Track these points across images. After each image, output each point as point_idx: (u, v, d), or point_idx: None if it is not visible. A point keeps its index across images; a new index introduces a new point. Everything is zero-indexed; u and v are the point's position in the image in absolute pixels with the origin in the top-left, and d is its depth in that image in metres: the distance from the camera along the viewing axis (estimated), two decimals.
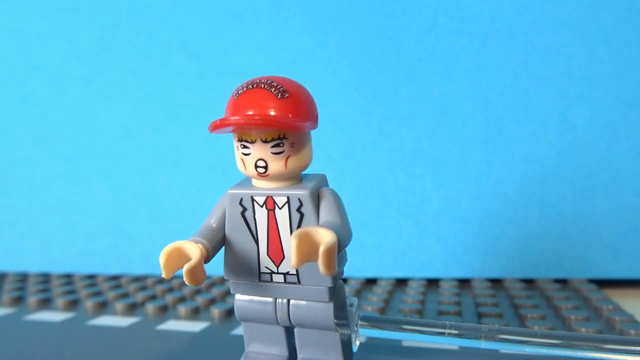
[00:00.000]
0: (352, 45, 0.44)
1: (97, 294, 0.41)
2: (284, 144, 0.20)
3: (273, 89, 0.20)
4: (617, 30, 0.41)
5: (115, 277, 0.46)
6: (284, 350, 0.22)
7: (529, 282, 0.42)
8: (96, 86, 0.47)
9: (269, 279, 0.21)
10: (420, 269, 0.42)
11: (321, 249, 0.17)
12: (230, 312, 0.35)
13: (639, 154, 0.41)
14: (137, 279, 0.45)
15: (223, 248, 0.22)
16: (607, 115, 0.41)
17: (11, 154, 0.48)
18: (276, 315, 0.22)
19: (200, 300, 0.37)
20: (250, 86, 0.21)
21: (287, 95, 0.20)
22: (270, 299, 0.22)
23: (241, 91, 0.21)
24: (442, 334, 0.26)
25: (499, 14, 0.42)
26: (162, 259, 0.19)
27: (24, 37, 0.48)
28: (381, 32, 0.43)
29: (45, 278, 0.46)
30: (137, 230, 0.46)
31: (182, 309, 0.35)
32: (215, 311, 0.34)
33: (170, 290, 0.41)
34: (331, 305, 0.21)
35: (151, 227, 0.46)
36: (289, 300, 0.21)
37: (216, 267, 0.46)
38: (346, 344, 0.22)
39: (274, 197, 0.20)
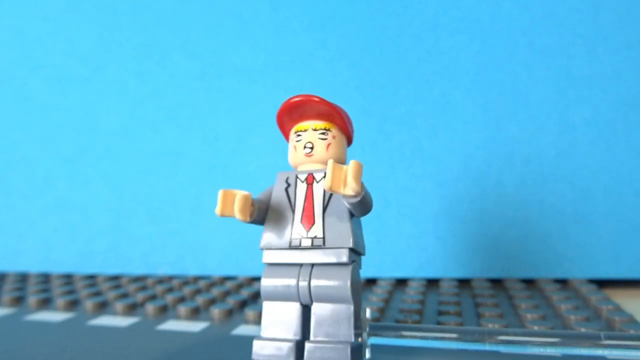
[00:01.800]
0: (352, 45, 0.44)
1: (97, 294, 0.41)
2: (328, 134, 0.25)
3: (323, 97, 0.25)
4: (617, 30, 0.41)
5: (115, 277, 0.46)
6: (297, 335, 0.24)
7: (529, 282, 0.42)
8: (96, 86, 0.47)
9: (298, 244, 0.24)
10: (420, 269, 0.42)
11: (351, 161, 0.21)
12: (230, 312, 0.35)
13: (639, 154, 0.41)
14: (137, 279, 0.45)
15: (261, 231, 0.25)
16: (607, 115, 0.41)
17: (11, 154, 0.48)
18: (298, 291, 0.24)
19: (200, 300, 0.37)
20: (301, 94, 0.25)
21: (334, 103, 0.25)
22: (293, 282, 0.24)
23: (293, 97, 0.25)
24: (442, 339, 0.26)
25: (499, 14, 0.42)
26: (220, 195, 0.23)
27: (24, 37, 0.48)
28: (381, 32, 0.43)
29: (45, 278, 0.46)
30: (137, 230, 0.46)
31: (182, 309, 0.35)
32: (215, 311, 0.34)
33: (170, 290, 0.41)
34: (349, 271, 0.23)
35: (151, 227, 0.46)
36: (310, 280, 0.24)
37: (216, 267, 0.46)
38: (357, 346, 0.24)
39: (314, 174, 0.25)
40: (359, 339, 0.24)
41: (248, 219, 0.24)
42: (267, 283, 0.25)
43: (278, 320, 0.25)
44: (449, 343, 0.27)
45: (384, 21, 0.43)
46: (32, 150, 0.48)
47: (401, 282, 0.43)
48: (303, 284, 0.24)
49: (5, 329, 0.33)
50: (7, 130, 0.48)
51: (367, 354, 0.25)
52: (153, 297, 0.39)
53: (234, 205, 0.23)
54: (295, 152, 0.25)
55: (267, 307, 0.25)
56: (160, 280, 0.44)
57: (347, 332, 0.23)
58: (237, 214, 0.23)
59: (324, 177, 0.24)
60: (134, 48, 0.47)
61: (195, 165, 0.46)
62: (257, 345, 0.24)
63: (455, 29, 0.43)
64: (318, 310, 0.24)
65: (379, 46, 0.43)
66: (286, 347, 0.24)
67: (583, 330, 0.29)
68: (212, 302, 0.38)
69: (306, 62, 0.44)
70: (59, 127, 0.48)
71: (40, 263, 0.48)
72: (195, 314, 0.35)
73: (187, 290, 0.40)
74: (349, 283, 0.23)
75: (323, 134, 0.25)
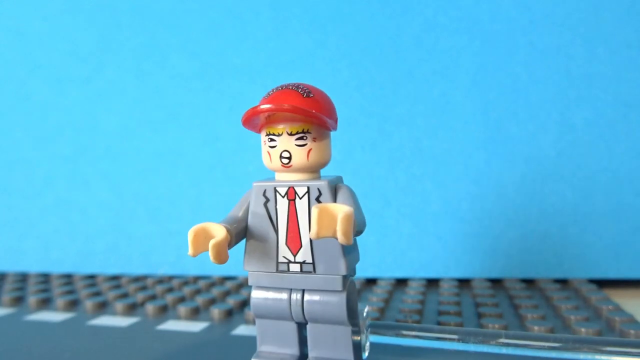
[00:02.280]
0: (352, 45, 0.44)
1: (97, 294, 0.41)
2: (307, 137, 0.22)
3: (299, 90, 0.22)
4: (617, 30, 0.41)
5: (115, 277, 0.46)
6: (295, 350, 0.23)
7: (529, 282, 0.42)
8: (96, 86, 0.47)
9: (286, 269, 0.22)
10: (420, 269, 0.42)
11: (340, 215, 0.18)
12: (230, 312, 0.35)
13: (639, 154, 0.41)
14: (137, 279, 0.45)
15: (244, 242, 0.23)
16: (607, 115, 0.41)
17: (11, 154, 0.48)
18: (290, 311, 0.23)
19: (200, 300, 0.37)
20: (280, 88, 0.22)
21: (312, 95, 0.22)
22: (285, 296, 0.23)
23: (271, 93, 0.22)
24: (443, 339, 0.26)
25: (499, 14, 0.42)
26: (190, 236, 0.20)
27: (24, 37, 0.48)
28: (381, 32, 0.43)
29: (45, 278, 0.47)
30: (137, 230, 0.46)
31: (182, 309, 0.35)
32: (215, 311, 0.34)
33: (170, 290, 0.41)
34: (344, 296, 0.22)
35: (151, 227, 0.46)
36: (303, 295, 0.22)
37: (216, 267, 0.46)
38: (357, 344, 0.23)
39: (295, 188, 0.22)
40: (357, 337, 0.23)
41: (226, 259, 0.21)
42: (258, 303, 0.23)
43: (275, 336, 0.23)
44: (449, 343, 0.27)
45: (384, 21, 0.43)
46: (32, 150, 0.48)
47: (401, 282, 0.43)
48: (296, 308, 0.22)
49: (5, 329, 0.33)
50: (7, 130, 0.48)
51: (366, 354, 0.25)
52: (153, 297, 0.39)
53: (207, 241, 0.21)
54: (269, 159, 0.23)
55: (261, 324, 0.24)
56: (160, 280, 0.44)
57: (347, 355, 0.22)
58: (213, 261, 0.20)
59: (307, 192, 0.22)
60: (134, 48, 0.47)
61: (195, 165, 0.46)
62: None
63: (455, 29, 0.43)
64: (314, 329, 0.23)
65: (379, 46, 0.43)
66: None
67: (583, 330, 0.29)
68: (212, 302, 0.38)
69: (306, 62, 0.44)
70: (59, 127, 0.48)
71: (40, 263, 0.48)
72: (195, 314, 0.35)
73: (187, 290, 0.40)
74: (344, 309, 0.22)
75: (301, 138, 0.22)
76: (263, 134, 0.23)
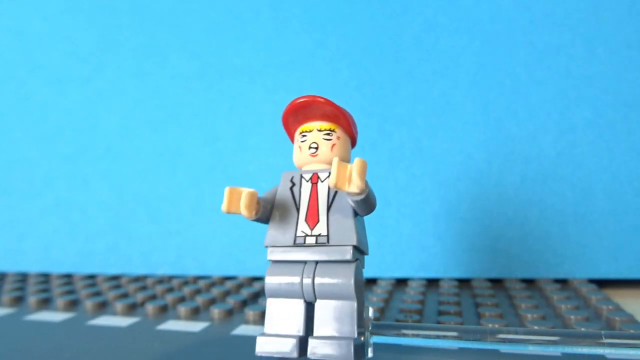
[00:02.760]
0: (352, 45, 0.44)
1: (97, 294, 0.41)
2: (332, 135, 0.25)
3: (327, 98, 0.25)
4: (617, 30, 0.41)
5: (115, 277, 0.46)
6: (300, 331, 0.24)
7: (529, 282, 0.42)
8: (96, 86, 0.47)
9: (303, 242, 0.25)
10: (420, 269, 0.42)
11: (356, 159, 0.22)
12: (230, 312, 0.35)
13: (639, 154, 0.41)
14: (137, 279, 0.45)
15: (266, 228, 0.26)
16: (607, 115, 0.41)
17: (11, 154, 0.48)
18: (302, 289, 0.24)
19: (200, 300, 0.37)
20: (307, 96, 0.25)
21: (339, 106, 0.26)
22: (297, 280, 0.24)
23: (300, 99, 0.25)
24: (444, 337, 0.26)
25: (499, 14, 0.42)
26: (226, 192, 0.23)
27: (24, 37, 0.48)
28: (381, 32, 0.43)
29: (45, 278, 0.46)
30: (137, 230, 0.46)
31: (182, 309, 0.35)
32: (215, 311, 0.34)
33: (170, 290, 0.41)
34: (352, 267, 0.24)
35: (151, 227, 0.46)
36: (314, 276, 0.24)
37: (216, 267, 0.46)
38: (362, 324, 0.24)
39: (319, 173, 0.25)
40: (362, 338, 0.24)
41: (254, 215, 0.24)
42: (271, 280, 0.25)
43: (282, 317, 0.25)
44: (450, 342, 0.27)
45: (384, 21, 0.43)
46: (32, 150, 0.48)
47: (401, 282, 0.43)
48: (307, 281, 0.24)
49: (5, 329, 0.33)
50: (7, 130, 0.48)
51: (370, 353, 0.25)
52: (153, 297, 0.39)
53: (239, 202, 0.23)
54: (300, 153, 0.26)
55: (271, 303, 0.25)
56: (160, 280, 0.44)
57: (350, 329, 0.23)
58: (243, 210, 0.23)
59: (329, 176, 0.24)
60: (134, 48, 0.47)
61: (195, 165, 0.46)
62: (260, 341, 0.24)
63: (455, 29, 0.43)
64: (322, 307, 0.24)
65: (379, 46, 0.43)
66: (290, 342, 0.24)
67: (582, 329, 0.29)
68: (212, 302, 0.38)
69: (306, 62, 0.44)
70: (59, 127, 0.48)
71: (40, 263, 0.48)
72: (195, 314, 0.35)
73: (187, 290, 0.40)
74: (352, 280, 0.23)
75: (328, 134, 0.25)
76: (297, 134, 0.26)
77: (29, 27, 0.48)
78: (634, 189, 0.41)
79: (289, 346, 0.24)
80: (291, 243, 0.25)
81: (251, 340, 0.30)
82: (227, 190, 0.23)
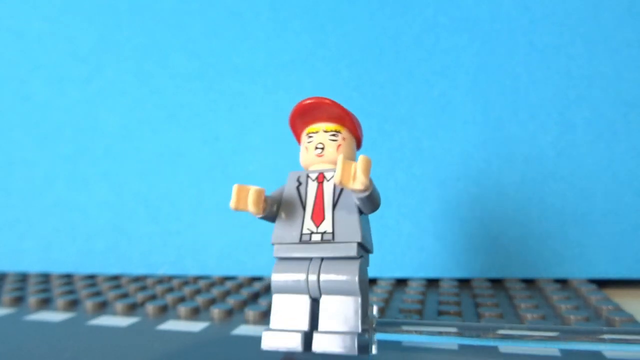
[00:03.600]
0: (352, 45, 0.44)
1: (97, 294, 0.41)
2: (338, 136, 0.26)
3: (334, 100, 0.26)
4: (617, 30, 0.41)
5: (115, 277, 0.46)
6: (305, 326, 0.24)
7: (529, 282, 0.42)
8: (96, 86, 0.47)
9: (308, 239, 0.25)
10: (420, 269, 0.42)
11: (360, 156, 0.22)
12: (230, 312, 0.35)
13: (639, 154, 0.41)
14: (137, 279, 0.45)
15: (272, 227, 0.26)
16: (607, 115, 0.41)
17: (11, 154, 0.48)
18: (307, 282, 0.24)
19: (200, 300, 0.37)
20: (312, 97, 0.26)
21: (345, 107, 0.26)
22: (303, 276, 0.25)
23: (307, 100, 0.26)
24: (445, 334, 0.26)
25: (499, 14, 0.42)
26: (234, 189, 0.24)
27: (24, 37, 0.48)
28: (381, 32, 0.43)
29: (45, 278, 0.46)
30: (137, 230, 0.46)
31: (182, 309, 0.35)
32: (215, 311, 0.34)
33: (170, 290, 0.41)
34: (357, 264, 0.24)
35: (151, 227, 0.46)
36: (319, 273, 0.24)
37: (216, 267, 0.46)
38: (364, 341, 0.24)
39: (325, 173, 0.26)
40: (367, 335, 0.24)
41: (261, 212, 0.24)
42: (277, 277, 0.25)
43: (287, 312, 0.25)
44: (451, 338, 0.27)
45: (384, 21, 0.43)
46: (32, 150, 0.48)
47: (401, 282, 0.43)
48: (312, 277, 0.24)
49: (5, 329, 0.33)
50: (7, 130, 0.48)
51: (374, 350, 0.25)
52: (153, 297, 0.39)
53: (247, 199, 0.24)
54: (306, 153, 0.26)
55: (277, 299, 0.25)
56: (160, 280, 0.44)
57: (354, 324, 0.24)
58: (251, 207, 0.24)
59: (334, 176, 0.25)
60: (134, 48, 0.47)
61: (195, 165, 0.46)
62: (266, 335, 0.24)
63: (455, 29, 0.43)
64: (326, 302, 0.24)
65: (379, 46, 0.43)
66: (295, 337, 0.24)
67: (582, 329, 0.29)
68: (212, 302, 0.38)
69: (306, 62, 0.44)
70: (59, 127, 0.48)
71: (40, 263, 0.48)
72: (195, 314, 0.35)
73: (187, 290, 0.40)
74: (357, 276, 0.24)
75: (334, 135, 0.26)
76: (304, 135, 0.27)
77: (29, 27, 0.48)
78: (634, 189, 0.41)
79: (294, 341, 0.24)
80: (297, 240, 0.25)
81: (251, 340, 0.30)
82: (235, 187, 0.24)
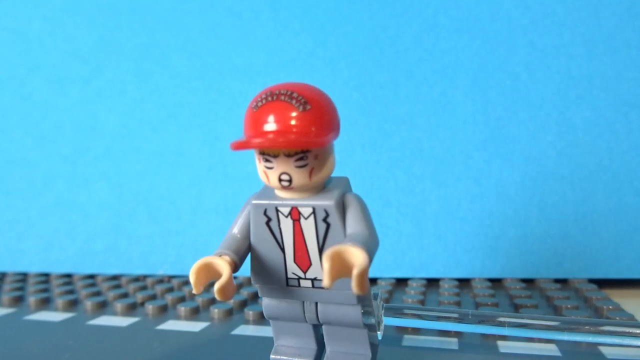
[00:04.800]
0: (352, 45, 0.44)
1: (97, 294, 0.41)
2: (307, 157, 0.19)
3: (294, 101, 0.19)
4: (617, 30, 0.41)
5: (115, 277, 0.46)
6: (312, 344, 0.23)
7: (529, 282, 0.42)
8: (96, 86, 0.47)
9: (297, 284, 0.21)
10: (420, 269, 0.42)
11: (354, 273, 0.17)
12: (230, 312, 0.35)
13: (639, 154, 0.41)
14: (137, 279, 0.45)
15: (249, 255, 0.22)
16: (607, 115, 0.41)
17: (11, 154, 0.48)
18: (304, 315, 0.22)
19: (200, 300, 0.37)
20: (270, 98, 0.20)
21: (309, 107, 0.19)
22: (297, 303, 0.22)
23: (260, 103, 0.20)
24: (463, 319, 0.26)
25: (499, 14, 0.42)
26: (192, 277, 0.20)
27: (24, 37, 0.48)
28: (381, 32, 0.43)
29: (45, 278, 0.46)
30: (137, 230, 0.46)
31: (182, 309, 0.35)
32: (215, 311, 0.34)
33: (170, 290, 0.41)
34: (359, 306, 0.21)
35: (151, 227, 0.46)
36: (317, 303, 0.22)
37: None
38: (373, 337, 0.23)
39: (299, 208, 0.20)
40: (372, 320, 0.23)
41: (232, 298, 0.20)
42: (270, 309, 0.22)
43: (291, 339, 0.23)
44: (452, 324, 0.27)
45: (384, 21, 0.43)
46: (32, 150, 0.48)
47: (401, 282, 0.43)
48: (310, 315, 0.22)
49: (5, 329, 0.33)
50: (7, 130, 0.48)
51: (381, 333, 0.25)
52: (153, 297, 0.39)
53: (212, 277, 0.20)
54: (267, 179, 0.20)
55: (276, 325, 0.23)
56: (160, 280, 0.44)
57: (364, 352, 0.22)
58: (220, 299, 0.20)
59: (313, 212, 0.20)
60: (134, 48, 0.47)
61: (195, 165, 0.46)
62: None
63: (455, 29, 0.43)
64: (330, 329, 0.22)
65: (379, 46, 0.43)
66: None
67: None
68: (212, 302, 0.38)
69: (306, 62, 0.44)
70: (59, 127, 0.48)
71: (40, 263, 0.48)
72: (195, 314, 0.35)
73: (187, 290, 0.40)
74: (360, 317, 0.21)
75: (300, 159, 0.19)
76: (256, 152, 0.20)
77: (29, 27, 0.48)
78: (634, 189, 0.41)
79: None
80: (284, 285, 0.21)
81: (251, 340, 0.30)
82: (192, 276, 0.20)
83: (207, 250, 0.48)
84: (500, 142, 0.42)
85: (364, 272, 0.17)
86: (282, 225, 0.21)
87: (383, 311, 0.25)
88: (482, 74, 0.42)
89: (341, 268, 0.18)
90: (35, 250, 0.48)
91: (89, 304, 0.37)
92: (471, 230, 0.42)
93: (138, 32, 0.46)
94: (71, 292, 0.41)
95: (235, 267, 0.21)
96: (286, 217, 0.20)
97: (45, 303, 0.39)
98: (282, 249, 0.21)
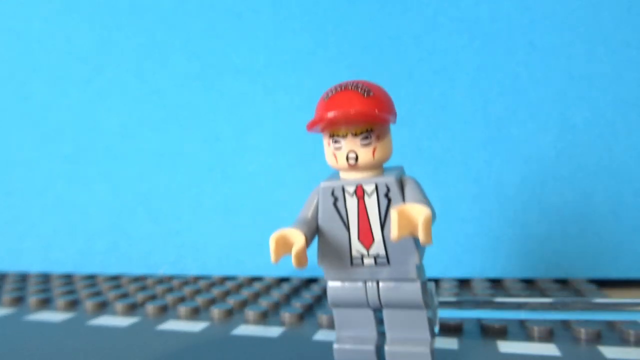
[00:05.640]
0: (352, 45, 0.44)
1: (97, 294, 0.41)
2: (371, 137, 0.22)
3: (359, 89, 0.23)
4: (617, 30, 0.41)
5: (115, 277, 0.46)
6: (373, 333, 0.24)
7: (529, 282, 0.42)
8: (96, 86, 0.47)
9: (360, 263, 0.23)
10: None
11: (421, 220, 0.20)
12: (230, 312, 0.35)
13: (639, 154, 0.41)
14: (137, 279, 0.45)
15: (316, 238, 0.24)
16: (607, 115, 0.41)
17: (11, 154, 0.48)
18: (367, 298, 0.23)
19: (200, 300, 0.37)
20: (339, 89, 0.23)
21: (372, 93, 0.23)
22: (360, 285, 0.23)
23: (330, 94, 0.23)
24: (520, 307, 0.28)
25: (499, 14, 0.42)
26: (271, 245, 0.21)
27: (24, 37, 0.48)
28: (381, 32, 0.43)
29: (45, 278, 0.47)
30: (137, 230, 0.46)
31: (182, 309, 0.35)
32: (215, 311, 0.34)
33: (170, 290, 0.41)
34: (418, 282, 0.23)
35: (151, 227, 0.46)
36: (378, 284, 0.23)
37: (216, 267, 0.46)
38: (431, 323, 0.24)
39: (364, 186, 0.23)
40: (430, 314, 0.24)
41: (306, 266, 0.22)
42: (335, 294, 0.24)
43: (353, 327, 0.24)
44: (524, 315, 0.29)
45: (384, 21, 0.43)
46: (32, 150, 0.48)
47: None
48: (372, 297, 0.23)
49: (5, 329, 0.33)
50: (7, 130, 0.48)
51: (437, 327, 0.26)
52: (153, 297, 0.39)
53: (288, 250, 0.22)
54: (335, 160, 0.23)
55: (339, 313, 0.25)
56: (160, 280, 0.44)
57: (423, 337, 0.23)
58: (296, 267, 0.21)
59: (375, 189, 0.22)
60: (134, 48, 0.47)
61: (195, 165, 0.46)
62: (339, 352, 0.24)
63: (455, 29, 0.43)
64: (390, 313, 0.24)
65: (379, 46, 0.43)
66: (370, 354, 0.24)
67: (582, 330, 0.29)
68: (212, 302, 0.38)
69: (306, 62, 0.44)
70: (59, 127, 0.48)
71: (40, 263, 0.48)
72: (195, 314, 0.35)
73: (187, 290, 0.40)
74: (420, 294, 0.23)
75: (366, 138, 0.22)
76: (326, 136, 0.23)
77: (29, 27, 0.48)
78: (634, 189, 0.41)
79: (367, 356, 0.24)
80: (348, 264, 0.23)
81: (251, 340, 0.30)
82: (272, 243, 0.21)
83: (207, 250, 0.49)
84: (500, 142, 0.42)
85: (428, 220, 0.20)
86: (347, 204, 0.23)
87: (438, 306, 0.26)
88: (482, 74, 0.42)
89: (407, 223, 0.20)
90: (35, 250, 0.48)
91: (89, 304, 0.37)
92: (471, 230, 0.42)
93: (138, 32, 0.46)
94: (71, 292, 0.42)
95: (308, 242, 0.23)
96: (352, 195, 0.23)
97: (46, 303, 0.39)
98: (347, 228, 0.23)
